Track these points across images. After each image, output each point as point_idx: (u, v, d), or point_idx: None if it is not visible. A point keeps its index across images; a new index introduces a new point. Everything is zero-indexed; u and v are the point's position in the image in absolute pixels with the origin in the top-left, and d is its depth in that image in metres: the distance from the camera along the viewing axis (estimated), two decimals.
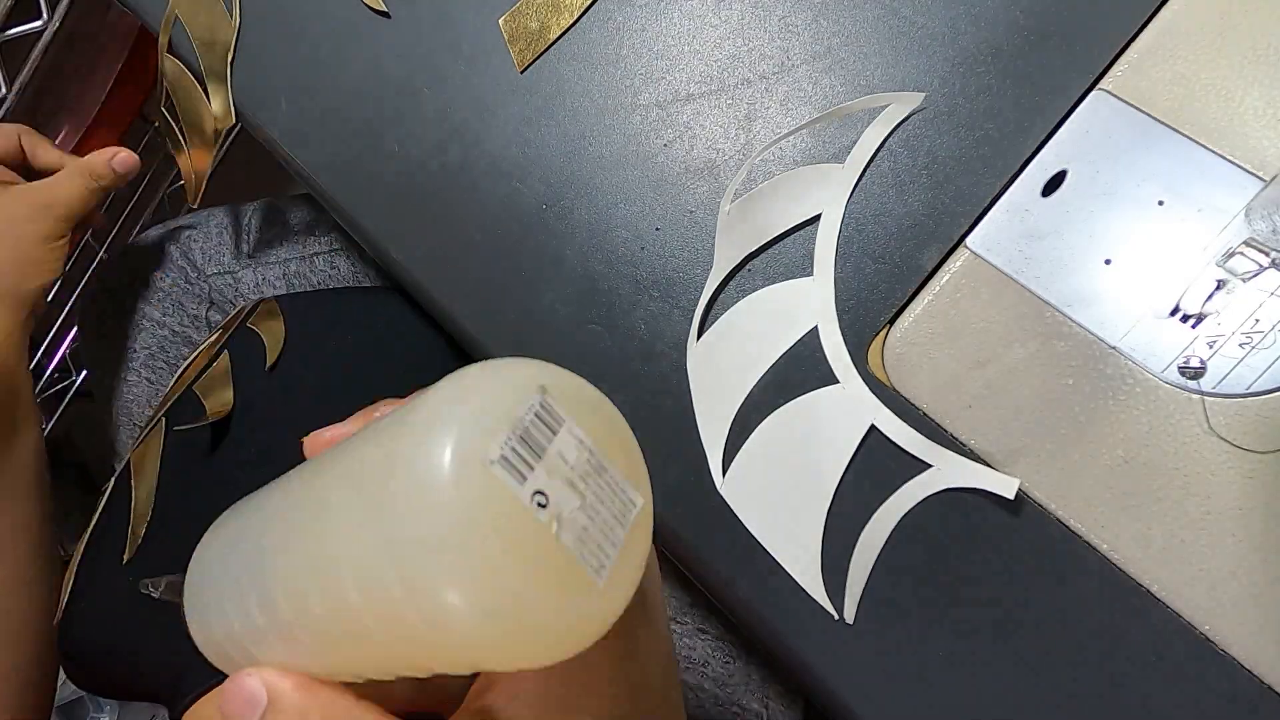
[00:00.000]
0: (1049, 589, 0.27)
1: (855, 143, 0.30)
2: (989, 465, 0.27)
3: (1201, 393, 0.25)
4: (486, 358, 0.35)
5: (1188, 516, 0.25)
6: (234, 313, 0.49)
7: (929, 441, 0.28)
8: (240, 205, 0.57)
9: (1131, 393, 0.26)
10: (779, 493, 0.29)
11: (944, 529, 0.28)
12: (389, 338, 0.49)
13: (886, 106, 0.29)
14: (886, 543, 0.28)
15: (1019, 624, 0.27)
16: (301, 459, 0.18)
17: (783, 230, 0.30)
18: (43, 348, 0.88)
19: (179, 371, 0.47)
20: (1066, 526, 0.27)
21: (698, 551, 0.30)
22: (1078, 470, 0.27)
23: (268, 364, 0.45)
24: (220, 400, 0.44)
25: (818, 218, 0.30)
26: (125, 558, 0.39)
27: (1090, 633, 0.26)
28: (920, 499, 0.28)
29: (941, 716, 0.27)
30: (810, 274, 0.30)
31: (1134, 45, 0.27)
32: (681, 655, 0.46)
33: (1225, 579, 0.25)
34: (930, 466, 0.28)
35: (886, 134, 0.29)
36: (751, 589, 0.30)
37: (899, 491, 0.28)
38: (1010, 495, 0.26)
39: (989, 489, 0.27)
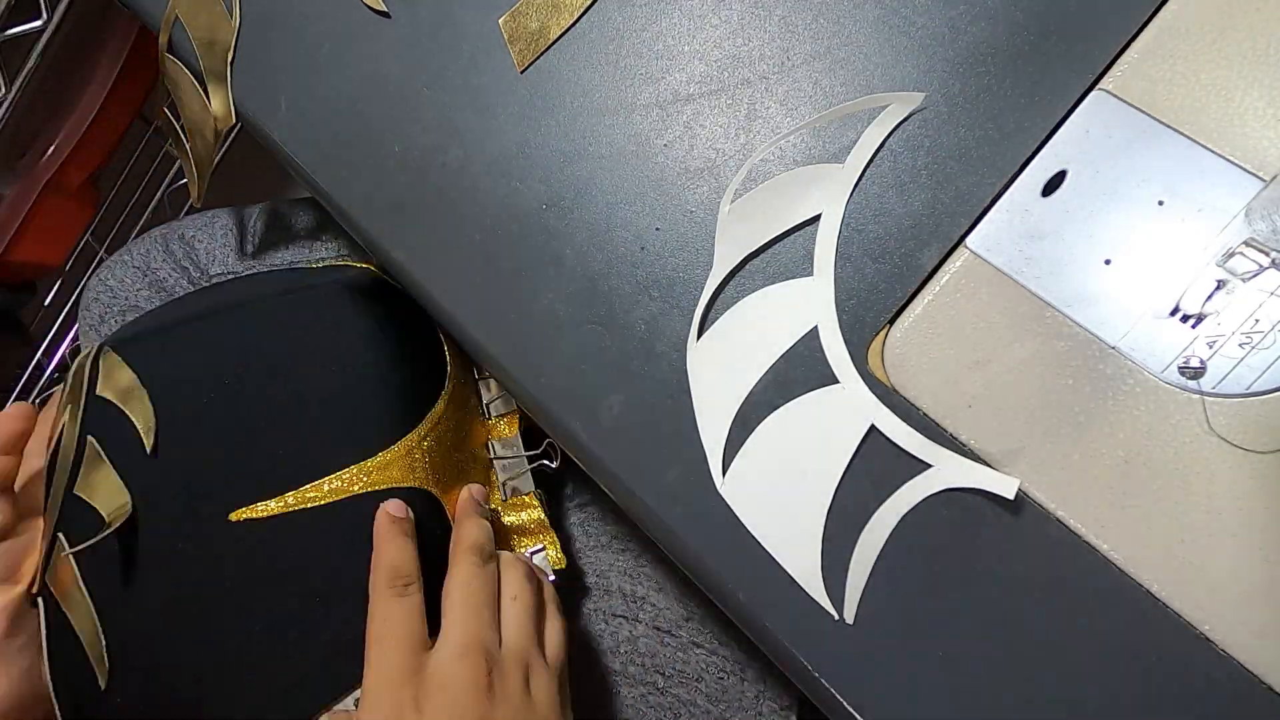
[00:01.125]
0: (1049, 589, 0.27)
1: (855, 143, 0.30)
2: (989, 465, 0.27)
3: (1201, 393, 0.25)
4: (486, 357, 0.35)
5: (1188, 516, 0.25)
6: (69, 379, 0.38)
7: (929, 441, 0.28)
8: (245, 207, 0.58)
9: (1131, 393, 0.26)
10: (779, 493, 0.29)
11: (944, 529, 0.28)
12: (390, 330, 0.48)
13: (886, 106, 0.29)
14: (886, 543, 0.28)
15: (1019, 624, 0.27)
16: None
17: (783, 230, 0.30)
18: (43, 348, 0.88)
19: (46, 476, 0.36)
20: (1066, 526, 0.27)
21: (697, 552, 0.30)
22: (1078, 470, 0.27)
23: (147, 447, 0.35)
24: (112, 500, 0.35)
25: (818, 218, 0.30)
26: (103, 685, 0.35)
27: (1090, 633, 0.26)
28: (920, 499, 0.28)
29: (941, 717, 0.27)
30: (810, 274, 0.30)
31: (1134, 45, 0.27)
32: (675, 669, 0.46)
33: (1225, 579, 0.25)
34: (930, 466, 0.28)
35: (886, 134, 0.29)
36: (751, 589, 0.30)
37: (899, 491, 0.28)
38: (1010, 495, 0.26)
39: (989, 489, 0.27)
